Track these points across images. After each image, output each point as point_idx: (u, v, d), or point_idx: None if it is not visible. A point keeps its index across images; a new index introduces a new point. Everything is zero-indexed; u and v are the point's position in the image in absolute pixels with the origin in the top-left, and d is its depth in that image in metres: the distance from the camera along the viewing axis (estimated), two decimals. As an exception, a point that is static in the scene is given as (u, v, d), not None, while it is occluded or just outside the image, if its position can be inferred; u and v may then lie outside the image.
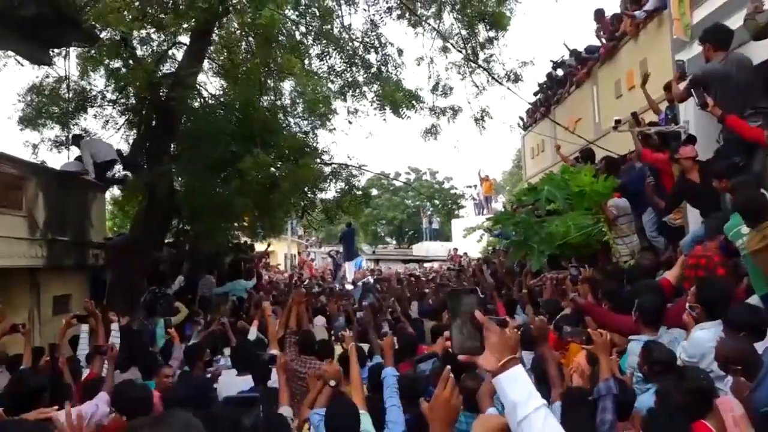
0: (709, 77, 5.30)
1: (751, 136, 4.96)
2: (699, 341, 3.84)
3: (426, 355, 3.87)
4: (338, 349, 5.35)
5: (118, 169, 11.40)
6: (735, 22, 5.42)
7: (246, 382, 4.83)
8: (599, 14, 11.08)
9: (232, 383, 4.91)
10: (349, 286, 15.69)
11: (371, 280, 15.41)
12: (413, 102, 9.96)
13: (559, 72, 13.89)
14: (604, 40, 11.02)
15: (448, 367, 1.67)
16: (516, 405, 1.42)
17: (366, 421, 3.31)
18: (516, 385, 1.44)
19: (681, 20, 6.33)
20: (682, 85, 5.70)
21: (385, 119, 10.35)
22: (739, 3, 5.38)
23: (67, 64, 10.47)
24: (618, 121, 6.67)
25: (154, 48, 10.53)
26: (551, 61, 14.16)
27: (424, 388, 3.95)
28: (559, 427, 1.42)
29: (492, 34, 11.50)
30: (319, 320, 8.01)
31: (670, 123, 6.62)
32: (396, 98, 9.57)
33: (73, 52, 10.37)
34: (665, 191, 6.28)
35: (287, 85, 10.55)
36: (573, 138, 10.78)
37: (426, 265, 25.54)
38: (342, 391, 3.95)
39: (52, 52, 9.85)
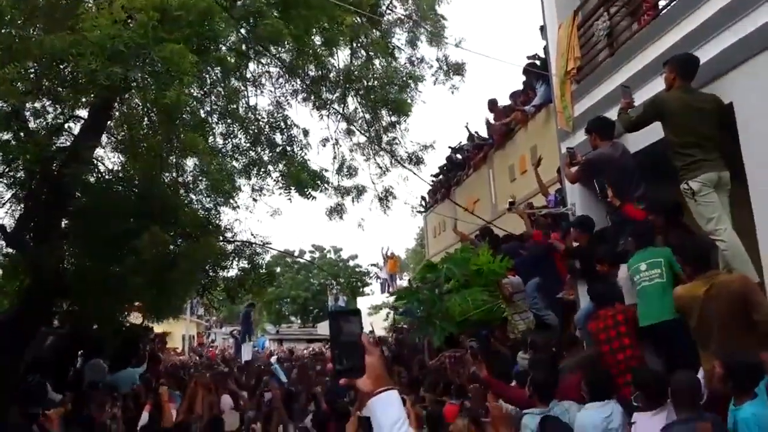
0: (602, 161, 5.81)
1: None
2: (585, 426, 4.06)
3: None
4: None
5: (1, 245, 10.69)
6: (612, 114, 6.03)
7: None
8: (492, 104, 11.93)
9: None
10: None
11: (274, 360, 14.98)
12: (318, 182, 10.14)
13: (458, 156, 14.66)
14: (494, 129, 11.82)
15: None
16: (383, 429, 1.46)
17: None
18: (388, 409, 1.48)
19: (564, 113, 6.95)
20: (574, 169, 6.19)
21: (290, 199, 10.44)
22: (614, 98, 6.00)
23: (-52, 134, 9.85)
24: (512, 203, 7.10)
25: (49, 121, 10.15)
26: (449, 147, 14.97)
27: None
28: None
29: (394, 118, 12.02)
30: (226, 401, 7.57)
31: (559, 205, 7.12)
32: (301, 179, 9.72)
33: (-43, 122, 9.80)
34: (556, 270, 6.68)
35: (190, 162, 10.44)
36: (472, 218, 11.29)
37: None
38: None
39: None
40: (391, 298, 24.71)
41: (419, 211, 17.47)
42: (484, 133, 13.03)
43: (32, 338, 9.55)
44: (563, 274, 6.77)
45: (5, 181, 10.70)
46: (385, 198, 12.47)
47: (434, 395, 6.99)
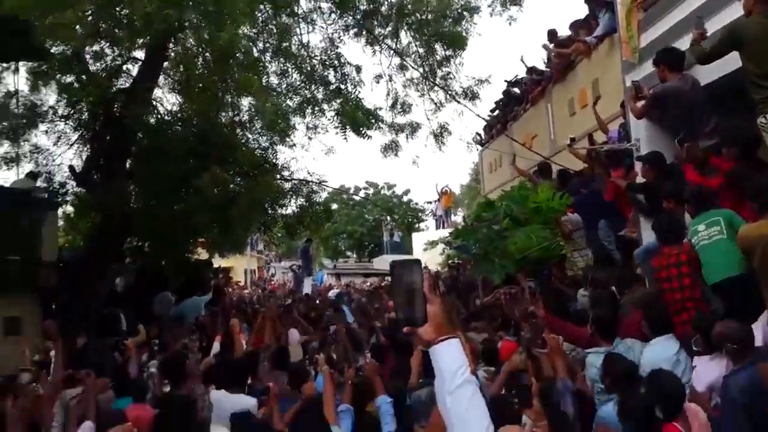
0: (670, 94, 5.51)
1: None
2: (652, 360, 4.01)
3: (422, 382, 3.89)
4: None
5: (72, 185, 11.18)
6: (682, 44, 5.66)
7: (238, 399, 4.57)
8: (552, 34, 11.40)
9: (230, 403, 4.52)
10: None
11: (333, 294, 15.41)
12: (373, 121, 10.05)
13: (515, 90, 14.20)
14: (554, 61, 11.33)
15: None
16: (446, 376, 1.47)
17: None
18: (449, 357, 1.48)
19: (629, 43, 6.56)
20: (640, 103, 5.90)
21: (346, 138, 10.40)
22: (685, 27, 5.62)
23: (16, 79, 10.22)
24: (573, 140, 6.87)
25: (108, 63, 10.35)
26: (506, 80, 14.50)
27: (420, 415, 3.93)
28: (484, 406, 1.47)
29: (449, 52, 11.69)
30: (294, 335, 7.75)
31: (623, 140, 6.85)
32: (356, 117, 9.65)
33: (23, 67, 10.12)
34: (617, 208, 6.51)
35: (246, 102, 10.50)
36: (530, 154, 11.03)
37: (387, 278, 25.58)
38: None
39: (0, 66, 9.61)
40: (446, 233, 24.80)
41: (478, 143, 17.18)
42: (542, 67, 12.55)
43: (105, 274, 10.07)
44: (625, 212, 6.57)
45: (71, 123, 11.11)
46: (440, 134, 12.32)
47: (490, 331, 7.05)
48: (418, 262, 1.58)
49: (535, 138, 12.37)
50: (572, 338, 4.70)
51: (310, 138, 11.48)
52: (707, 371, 3.70)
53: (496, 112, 15.42)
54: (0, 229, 7.88)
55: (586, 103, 9.69)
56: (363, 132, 9.94)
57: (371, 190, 44.51)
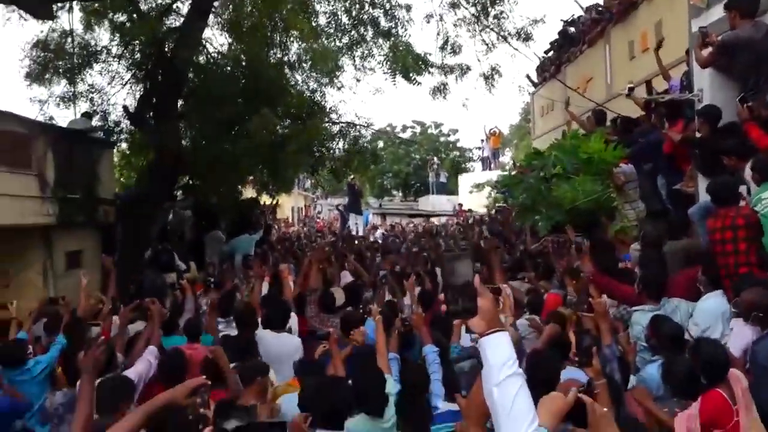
0: (740, 43, 5.20)
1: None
2: (707, 311, 3.96)
3: (463, 355, 3.96)
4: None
5: (126, 124, 11.47)
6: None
7: (284, 339, 4.76)
8: (614, -29, 10.82)
9: (276, 342, 4.70)
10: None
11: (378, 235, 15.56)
12: (422, 66, 9.82)
13: (572, 29, 13.63)
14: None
15: None
16: (493, 368, 1.52)
17: (390, 384, 3.43)
18: (498, 350, 1.53)
19: (698, -16, 6.17)
20: (707, 51, 5.59)
21: (395, 84, 10.22)
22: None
23: (71, 18, 10.36)
24: (632, 89, 6.59)
25: (158, 1, 10.38)
26: (562, 20, 13.89)
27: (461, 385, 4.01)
28: (530, 399, 1.51)
29: (502, -10, 11.22)
30: (347, 279, 7.75)
31: (685, 90, 6.54)
32: (406, 63, 9.45)
33: (77, 5, 10.23)
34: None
35: (294, 42, 10.41)
36: (584, 99, 10.67)
37: (432, 219, 25.64)
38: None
39: (56, 5, 9.72)
40: (493, 175, 24.55)
41: (530, 86, 16.70)
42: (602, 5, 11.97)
43: (158, 210, 10.41)
44: (683, 166, 6.34)
45: (124, 63, 11.30)
46: (491, 76, 11.98)
47: (536, 278, 7.05)
48: (469, 255, 1.62)
49: (590, 81, 11.94)
50: (619, 296, 4.67)
51: (358, 80, 11.36)
52: (743, 335, 3.66)
53: (551, 53, 14.87)
54: (59, 167, 8.15)
55: (647, 46, 9.25)
56: (413, 78, 9.76)
57: (418, 129, 44.09)
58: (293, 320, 5.09)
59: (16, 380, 4.35)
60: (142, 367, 3.86)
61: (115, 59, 11.10)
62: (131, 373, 3.76)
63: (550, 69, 14.68)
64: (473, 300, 1.55)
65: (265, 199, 14.28)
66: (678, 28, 7.63)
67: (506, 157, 36.50)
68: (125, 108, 10.49)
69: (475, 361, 3.53)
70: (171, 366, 3.76)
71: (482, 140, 31.04)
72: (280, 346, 4.61)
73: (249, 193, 13.71)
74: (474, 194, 26.88)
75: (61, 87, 10.86)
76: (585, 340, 3.45)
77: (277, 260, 8.73)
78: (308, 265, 6.41)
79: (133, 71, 11.30)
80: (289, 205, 27.58)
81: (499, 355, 1.53)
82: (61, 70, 10.30)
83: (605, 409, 1.74)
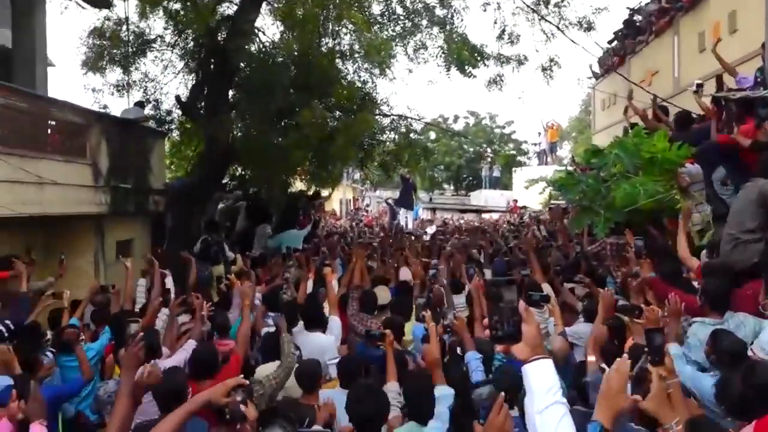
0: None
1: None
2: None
3: (483, 380, 3.94)
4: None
5: (178, 114, 11.79)
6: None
7: (314, 339, 4.83)
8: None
9: (313, 341, 4.80)
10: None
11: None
12: (479, 58, 9.73)
13: (638, 18, 13.25)
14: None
15: (502, 394, 1.79)
16: (536, 395, 1.54)
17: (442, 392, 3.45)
18: (541, 377, 1.55)
19: (777, -28, 5.92)
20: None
21: (449, 76, 10.15)
22: None
23: (126, 6, 10.70)
24: (700, 86, 6.37)
25: (212, -10, 10.60)
26: (628, 8, 13.50)
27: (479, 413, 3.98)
28: (573, 428, 1.52)
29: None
30: (405, 275, 7.62)
31: (759, 86, 6.29)
32: (462, 56, 9.39)
33: (132, -7, 10.57)
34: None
35: (346, 32, 10.47)
36: (648, 93, 10.36)
37: (484, 215, 25.43)
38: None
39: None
40: (550, 170, 24.14)
41: (593, 76, 16.32)
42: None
43: (208, 201, 10.68)
44: (752, 165, 6.09)
45: (177, 52, 11.61)
46: (549, 68, 11.78)
47: (591, 283, 6.91)
48: (514, 281, 1.66)
49: (655, 75, 11.60)
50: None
51: (410, 71, 11.37)
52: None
53: (614, 43, 14.49)
54: (112, 156, 8.44)
55: (719, 37, 8.91)
56: (468, 71, 9.68)
57: (471, 120, 43.72)
58: (334, 321, 5.15)
59: (67, 366, 4.55)
60: (179, 357, 4.01)
61: (169, 48, 11.44)
62: (172, 361, 3.90)
63: (612, 60, 14.31)
64: (517, 326, 1.58)
65: (315, 192, 14.50)
66: (753, 19, 7.34)
67: (564, 151, 35.88)
68: (177, 97, 10.80)
69: (493, 388, 3.51)
70: (200, 361, 3.80)
71: (539, 133, 30.56)
72: (313, 345, 4.71)
73: (298, 185, 13.94)
74: (530, 189, 26.53)
75: (115, 75, 11.29)
76: (656, 338, 3.37)
77: (324, 257, 8.80)
78: (354, 262, 6.46)
79: (186, 60, 11.61)
80: (337, 197, 27.79)
81: (543, 383, 1.54)
82: (116, 58, 10.66)
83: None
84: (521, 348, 1.57)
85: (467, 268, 7.58)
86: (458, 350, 4.38)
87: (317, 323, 5.00)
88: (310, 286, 6.78)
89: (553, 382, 1.55)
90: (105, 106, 11.20)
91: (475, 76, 10.06)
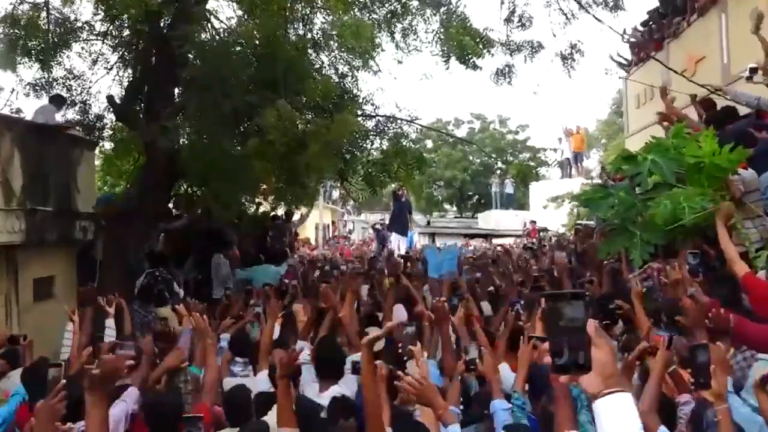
0: None
1: None
2: None
3: (472, 421, 3.97)
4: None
5: (111, 118, 11.78)
6: None
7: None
8: None
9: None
10: None
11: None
12: (484, 46, 9.82)
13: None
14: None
15: None
16: None
17: None
18: (618, 416, 1.53)
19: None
20: None
21: (448, 68, 10.24)
22: None
23: (46, -13, 10.71)
24: (754, 70, 6.47)
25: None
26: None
27: None
28: None
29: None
30: (400, 313, 7.37)
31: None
32: (463, 44, 9.46)
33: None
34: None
35: (320, 17, 10.57)
36: (692, 82, 10.51)
37: (496, 241, 25.48)
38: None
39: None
40: (575, 184, 24.28)
41: (623, 64, 16.48)
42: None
43: (151, 227, 10.63)
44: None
45: (110, 43, 11.66)
46: (570, 56, 11.92)
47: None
48: (581, 295, 1.62)
49: (700, 62, 11.78)
50: (751, 339, 4.55)
51: (399, 62, 11.43)
52: None
53: (650, 25, 14.74)
54: (27, 172, 8.36)
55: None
56: (470, 61, 9.75)
57: (477, 125, 44.09)
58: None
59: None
60: (117, 411, 3.97)
61: (99, 38, 11.45)
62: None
63: (648, 45, 14.53)
64: (586, 351, 1.55)
65: (284, 214, 14.49)
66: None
67: (593, 161, 36.14)
68: (110, 98, 10.78)
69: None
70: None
71: (560, 139, 30.77)
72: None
73: (264, 206, 13.96)
74: (550, 209, 26.67)
75: (32, 72, 11.25)
76: (700, 354, 3.37)
77: (295, 295, 8.78)
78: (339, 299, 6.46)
79: (121, 52, 11.64)
80: (311, 220, 27.71)
81: (620, 423, 1.53)
82: (32, 50, 10.62)
83: None
84: (591, 380, 1.55)
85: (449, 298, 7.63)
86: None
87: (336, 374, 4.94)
88: (277, 331, 6.74)
89: (634, 421, 1.54)
90: (18, 110, 11.18)
91: (479, 68, 10.13)
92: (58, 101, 10.42)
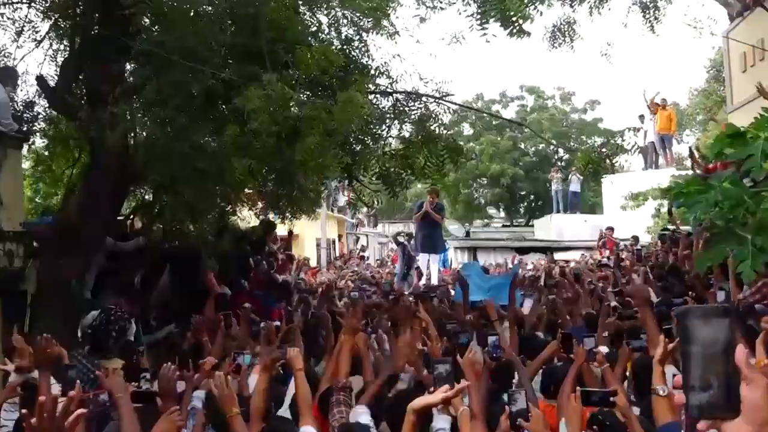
0: None
1: None
2: None
3: None
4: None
5: (43, 107, 11.86)
6: None
7: None
8: None
9: None
10: None
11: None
12: (532, 6, 9.78)
13: None
14: None
15: None
16: None
17: None
18: None
19: None
20: None
21: (486, 32, 10.19)
22: None
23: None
24: None
25: None
26: None
27: None
28: None
29: None
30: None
31: None
32: (506, 3, 9.40)
33: None
34: None
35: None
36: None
37: (559, 257, 25.39)
38: None
39: None
40: (663, 176, 24.14)
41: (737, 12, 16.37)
42: None
43: (99, 247, 10.68)
44: None
45: (40, 6, 11.72)
46: (653, 6, 11.90)
47: (746, 344, 6.87)
48: (725, 311, 1.60)
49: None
50: None
51: (422, 20, 11.43)
52: None
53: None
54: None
55: None
56: (516, 25, 9.66)
57: (530, 102, 44.03)
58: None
59: None
60: None
61: (25, 2, 11.53)
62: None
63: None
64: (733, 387, 1.54)
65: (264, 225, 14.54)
66: None
67: (684, 145, 36.00)
68: (41, 79, 10.83)
69: None
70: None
71: (641, 117, 30.61)
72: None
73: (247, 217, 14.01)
74: (631, 210, 26.49)
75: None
76: None
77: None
78: (340, 342, 6.54)
79: (54, 19, 11.69)
80: (311, 234, 27.62)
81: None
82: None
83: None
84: (741, 426, 1.54)
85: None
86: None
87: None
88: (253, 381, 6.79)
89: None
90: None
91: (528, 33, 10.00)
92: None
